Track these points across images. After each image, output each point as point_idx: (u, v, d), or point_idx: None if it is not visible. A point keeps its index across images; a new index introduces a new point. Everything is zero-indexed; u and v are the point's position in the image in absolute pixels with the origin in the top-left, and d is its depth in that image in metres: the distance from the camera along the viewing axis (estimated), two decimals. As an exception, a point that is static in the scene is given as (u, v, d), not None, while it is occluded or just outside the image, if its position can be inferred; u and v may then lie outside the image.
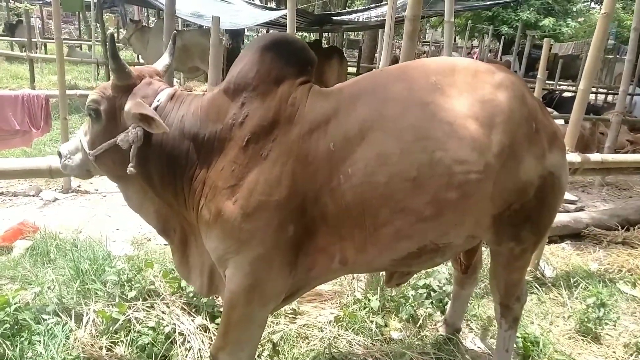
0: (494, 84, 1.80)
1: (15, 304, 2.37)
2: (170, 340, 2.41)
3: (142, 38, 9.94)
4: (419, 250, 1.79)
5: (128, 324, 2.46)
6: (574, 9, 22.74)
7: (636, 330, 2.98)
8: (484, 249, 2.77)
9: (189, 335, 2.46)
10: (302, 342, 2.58)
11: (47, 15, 18.21)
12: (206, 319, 2.59)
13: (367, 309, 2.81)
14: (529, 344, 2.62)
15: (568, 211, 4.82)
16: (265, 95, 1.70)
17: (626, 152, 6.20)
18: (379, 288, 2.93)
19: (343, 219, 1.69)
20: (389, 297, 2.92)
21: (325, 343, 2.55)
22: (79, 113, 7.23)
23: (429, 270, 3.05)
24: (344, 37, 19.37)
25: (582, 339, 2.84)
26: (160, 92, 1.79)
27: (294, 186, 1.65)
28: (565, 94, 10.76)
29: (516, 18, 19.29)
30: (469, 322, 2.90)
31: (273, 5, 18.82)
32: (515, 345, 2.54)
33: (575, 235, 4.37)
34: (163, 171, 1.78)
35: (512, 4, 19.47)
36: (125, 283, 2.74)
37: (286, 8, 3.99)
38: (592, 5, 25.54)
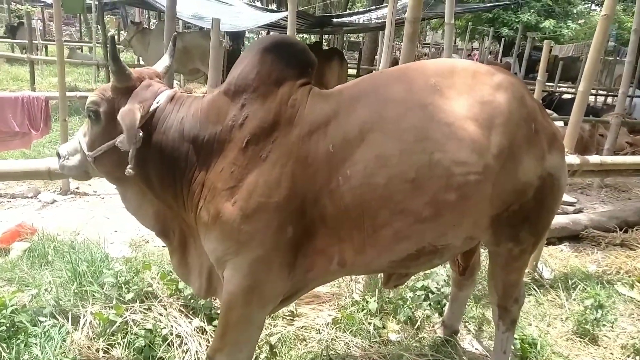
0: (493, 86, 1.81)
1: (11, 306, 2.36)
2: (167, 342, 2.41)
3: (142, 40, 9.96)
4: (418, 252, 1.79)
5: (125, 326, 2.46)
6: (575, 11, 22.73)
7: (634, 332, 2.98)
8: (482, 250, 2.76)
9: (186, 338, 2.45)
10: (300, 344, 2.57)
11: (49, 17, 18.27)
12: (204, 321, 2.59)
13: (365, 311, 2.80)
14: (526, 345, 2.62)
15: (567, 213, 4.82)
16: (266, 97, 1.71)
17: (625, 154, 6.20)
18: (377, 290, 2.93)
19: (342, 221, 1.69)
20: (387, 299, 2.92)
21: (323, 345, 2.55)
22: (78, 115, 7.24)
23: (427, 272, 3.05)
24: (345, 39, 19.38)
25: (580, 341, 2.83)
26: (160, 94, 1.79)
27: (294, 188, 1.65)
28: (565, 96, 10.77)
29: (516, 20, 19.28)
30: (466, 324, 2.90)
31: (274, 7, 18.84)
32: (513, 347, 2.53)
33: (573, 237, 4.37)
34: (162, 173, 1.78)
35: (512, 6, 19.48)
36: (122, 285, 2.73)
37: (287, 10, 3.99)
38: (593, 7, 25.54)
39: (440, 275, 3.00)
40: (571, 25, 20.79)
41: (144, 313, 2.58)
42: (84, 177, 1.98)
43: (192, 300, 2.69)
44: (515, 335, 2.55)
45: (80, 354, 2.30)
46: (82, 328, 2.46)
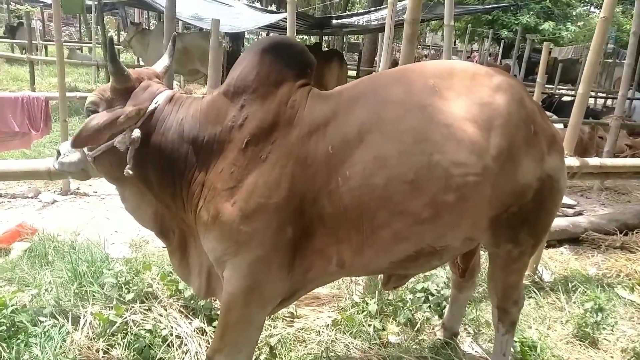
0: (493, 87, 1.81)
1: (12, 306, 2.36)
2: (167, 343, 2.41)
3: (142, 40, 9.97)
4: (416, 253, 1.79)
5: (125, 327, 2.46)
6: (574, 13, 22.77)
7: (634, 335, 2.97)
8: (482, 253, 2.76)
9: (186, 338, 2.45)
10: (300, 345, 2.57)
11: (48, 17, 18.25)
12: (203, 322, 2.59)
13: (365, 313, 2.80)
14: (526, 348, 2.62)
15: (567, 215, 4.82)
16: (265, 98, 1.71)
17: (625, 157, 6.21)
18: (377, 292, 2.92)
19: (340, 221, 1.69)
20: (387, 301, 2.92)
21: (323, 347, 2.55)
22: (78, 115, 7.24)
23: (427, 274, 3.05)
24: (344, 40, 19.40)
25: (580, 344, 2.83)
26: (158, 95, 1.79)
27: (293, 188, 1.65)
28: (565, 98, 10.78)
29: (516, 22, 19.31)
30: (466, 326, 2.90)
31: (273, 8, 18.87)
32: (513, 350, 2.53)
33: (573, 239, 4.37)
34: (161, 173, 1.78)
35: (511, 8, 19.51)
36: (122, 285, 2.74)
37: (286, 11, 4.00)
38: (592, 9, 25.58)
39: (440, 277, 3.00)
40: (570, 28, 20.84)
41: (144, 314, 2.58)
42: (82, 175, 1.97)
43: (192, 301, 2.69)
44: (515, 338, 2.55)
45: (80, 354, 2.30)
46: (82, 328, 2.46)
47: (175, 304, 2.69)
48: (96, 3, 11.85)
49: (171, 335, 2.45)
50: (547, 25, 19.67)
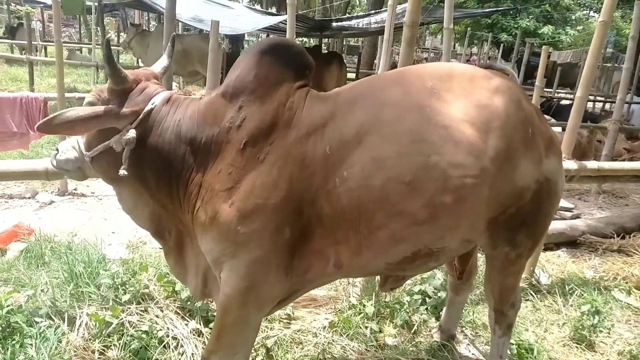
0: (491, 89, 1.81)
1: (7, 306, 2.35)
2: (163, 344, 2.40)
3: (142, 42, 9.99)
4: (414, 254, 1.79)
5: (121, 328, 2.45)
6: (573, 17, 22.86)
7: (630, 338, 2.97)
8: (479, 255, 2.76)
9: (182, 340, 2.44)
10: (296, 347, 2.57)
11: (48, 18, 18.26)
12: (200, 324, 2.58)
13: (361, 315, 2.80)
14: (523, 350, 2.61)
15: (564, 219, 4.83)
16: (263, 99, 1.71)
17: (623, 160, 6.22)
18: (374, 294, 2.92)
19: (338, 222, 1.69)
20: (384, 303, 2.92)
21: (320, 348, 2.54)
22: (77, 116, 7.22)
23: (424, 276, 3.05)
24: (344, 43, 19.44)
25: (577, 347, 2.83)
26: (155, 96, 1.79)
27: (291, 189, 1.65)
28: (563, 102, 10.80)
29: (515, 26, 19.38)
30: (463, 329, 2.90)
31: (274, 10, 18.90)
32: (509, 352, 2.53)
33: (571, 242, 4.38)
34: (158, 174, 1.78)
35: (511, 12, 19.57)
36: (119, 286, 2.73)
37: (286, 13, 4.00)
38: (592, 13, 25.67)
39: (437, 279, 3.00)
40: (570, 32, 20.91)
41: (141, 315, 2.57)
42: (79, 175, 1.97)
43: (188, 303, 2.68)
44: (512, 341, 2.55)
45: (75, 355, 2.29)
46: (78, 329, 2.44)
47: (172, 305, 2.69)
48: (96, 4, 11.88)
49: (167, 336, 2.44)
50: (547, 29, 19.75)
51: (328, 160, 1.67)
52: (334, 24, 11.12)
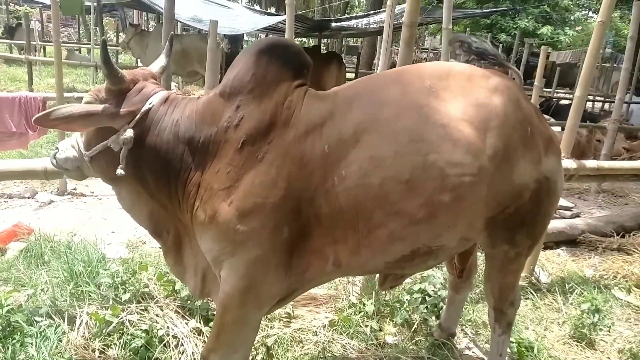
0: (489, 88, 1.82)
1: (7, 305, 2.35)
2: (163, 343, 2.40)
3: (141, 42, 9.99)
4: (412, 253, 1.79)
5: (121, 327, 2.45)
6: (572, 18, 22.88)
7: (630, 336, 2.98)
8: (479, 254, 2.76)
9: (182, 339, 2.44)
10: (297, 346, 2.57)
11: (47, 18, 18.27)
12: (200, 322, 2.58)
13: (361, 313, 2.80)
14: (523, 349, 2.62)
15: (564, 217, 4.84)
16: (261, 98, 1.71)
17: (622, 160, 6.23)
18: (374, 292, 2.92)
19: (337, 221, 1.69)
20: (384, 302, 2.92)
21: (320, 347, 2.54)
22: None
23: (424, 274, 3.05)
24: (343, 43, 19.45)
25: (577, 345, 2.84)
26: (153, 96, 1.79)
27: (290, 188, 1.65)
28: (562, 102, 10.82)
29: (514, 26, 19.39)
30: (463, 327, 2.90)
31: (273, 10, 18.91)
32: (509, 351, 2.54)
33: (570, 241, 4.38)
34: (157, 174, 1.78)
35: (510, 12, 19.58)
36: (119, 285, 2.73)
37: (285, 13, 4.00)
38: (590, 14, 25.70)
39: (437, 278, 3.00)
40: (569, 32, 20.92)
41: (141, 314, 2.58)
42: (78, 174, 1.97)
43: (188, 302, 2.68)
44: (512, 339, 2.55)
45: (76, 354, 2.29)
46: (78, 328, 2.44)
47: (172, 304, 2.69)
48: (95, 4, 11.88)
49: (167, 335, 2.44)
50: (546, 30, 19.77)
51: (326, 159, 1.67)
52: (333, 24, 11.13)
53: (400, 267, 1.92)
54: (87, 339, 2.41)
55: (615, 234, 4.40)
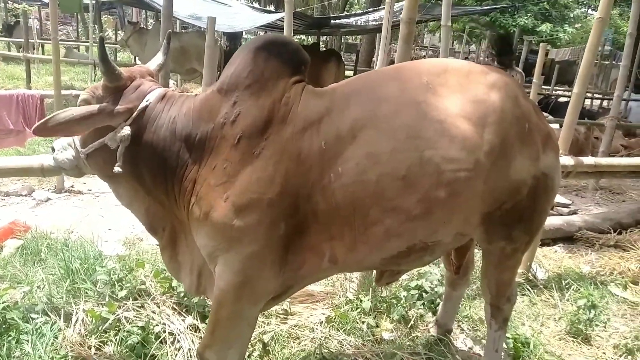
0: (487, 84, 1.82)
1: (3, 303, 2.36)
2: (160, 340, 2.40)
3: (139, 40, 9.95)
4: (408, 249, 1.79)
5: (118, 324, 2.45)
6: (571, 15, 22.85)
7: (626, 332, 2.98)
8: (476, 250, 2.77)
9: (178, 335, 2.44)
10: (293, 342, 2.57)
11: (45, 16, 18.23)
12: (196, 319, 2.58)
13: (358, 310, 2.80)
14: (519, 344, 2.62)
15: (561, 214, 4.84)
16: (259, 95, 1.71)
17: (620, 157, 6.23)
18: (370, 289, 2.93)
19: (334, 217, 1.69)
20: (381, 298, 2.92)
21: (316, 343, 2.54)
22: (74, 113, 7.21)
23: (421, 271, 3.05)
24: (342, 40, 19.40)
25: (573, 340, 2.84)
26: (150, 93, 1.79)
27: (287, 184, 1.65)
28: (561, 99, 10.81)
29: (513, 23, 19.34)
30: (460, 323, 2.90)
31: (272, 8, 18.88)
32: (506, 346, 2.54)
33: (567, 238, 4.39)
34: (154, 171, 1.78)
35: (509, 9, 19.54)
36: (115, 282, 2.73)
37: (284, 11, 4.00)
38: (590, 11, 25.67)
39: (434, 274, 3.00)
40: (568, 29, 20.89)
41: (137, 311, 2.57)
42: (76, 172, 1.98)
43: (185, 298, 2.68)
44: (508, 335, 2.55)
45: (72, 351, 2.29)
46: (74, 325, 2.45)
47: (168, 301, 2.69)
48: (94, 2, 11.86)
49: (164, 332, 2.44)
50: (545, 27, 19.72)
51: (324, 155, 1.67)
52: (332, 21, 11.11)
53: (397, 263, 1.92)
54: (83, 336, 2.41)
55: (612, 230, 4.41)
